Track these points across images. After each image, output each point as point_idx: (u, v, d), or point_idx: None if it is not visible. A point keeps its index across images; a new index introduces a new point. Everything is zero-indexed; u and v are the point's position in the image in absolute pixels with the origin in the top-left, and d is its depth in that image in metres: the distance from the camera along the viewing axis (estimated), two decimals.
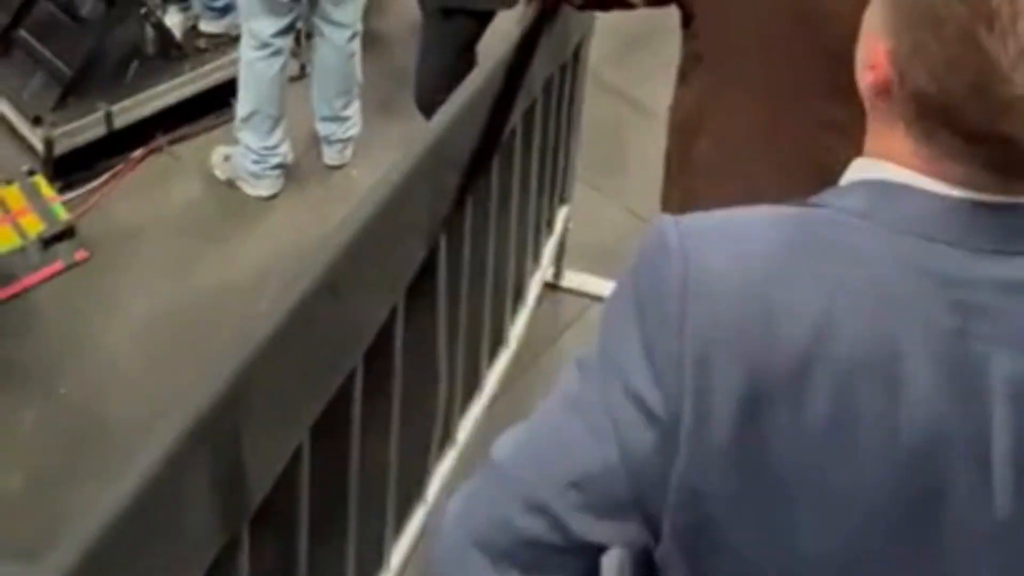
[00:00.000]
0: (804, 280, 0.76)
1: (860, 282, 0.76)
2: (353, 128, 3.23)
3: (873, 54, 0.81)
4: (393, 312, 1.64)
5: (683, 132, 1.82)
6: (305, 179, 3.19)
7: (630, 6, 1.87)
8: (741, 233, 0.82)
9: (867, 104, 0.87)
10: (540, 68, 2.17)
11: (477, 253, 1.97)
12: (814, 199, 0.87)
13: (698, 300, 0.76)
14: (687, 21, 1.78)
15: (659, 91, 3.38)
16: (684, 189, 1.82)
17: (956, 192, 0.77)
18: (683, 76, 1.83)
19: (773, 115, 1.67)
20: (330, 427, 1.47)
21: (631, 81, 3.58)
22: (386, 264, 1.62)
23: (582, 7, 2.06)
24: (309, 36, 3.23)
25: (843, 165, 1.61)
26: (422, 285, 1.73)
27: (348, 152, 3.25)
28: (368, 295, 1.56)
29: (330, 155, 3.24)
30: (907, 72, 0.78)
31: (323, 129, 3.21)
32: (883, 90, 0.80)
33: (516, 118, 2.09)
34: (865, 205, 0.80)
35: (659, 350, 0.77)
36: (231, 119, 3.30)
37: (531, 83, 2.14)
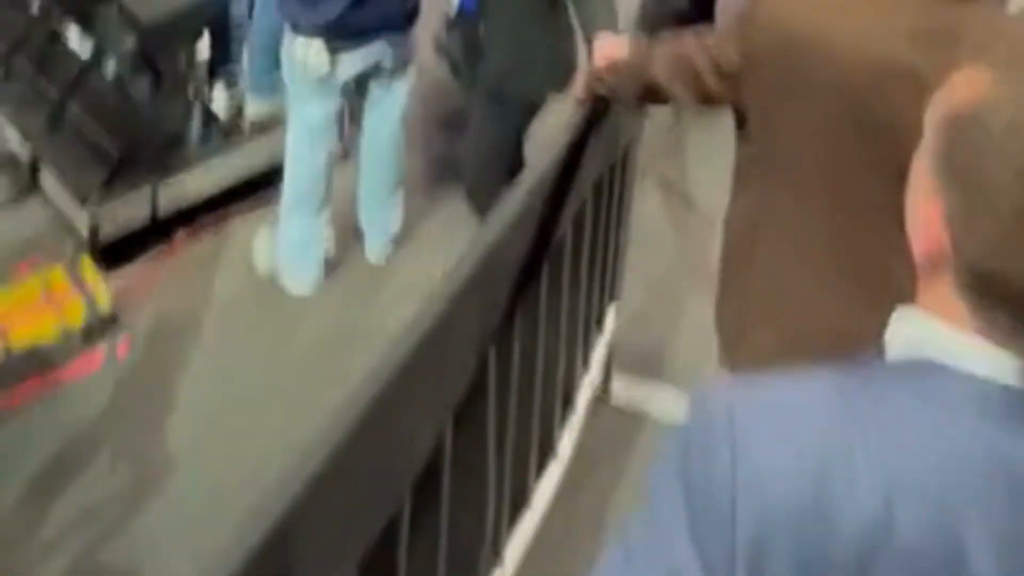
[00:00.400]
0: (860, 470, 0.75)
1: (919, 469, 0.75)
2: (396, 221, 3.24)
3: (924, 214, 0.81)
4: (441, 433, 1.63)
5: (739, 239, 1.81)
6: (345, 272, 3.19)
7: (683, 103, 1.88)
8: (792, 420, 0.81)
9: (917, 260, 0.86)
10: (590, 169, 2.18)
11: (526, 362, 1.94)
12: (863, 373, 0.86)
13: (749, 493, 0.75)
14: (740, 122, 1.77)
15: (708, 184, 3.44)
16: (740, 301, 1.80)
17: (1010, 375, 0.75)
18: (739, 179, 1.82)
19: (832, 231, 1.64)
20: (377, 556, 1.45)
21: (680, 173, 3.59)
22: (436, 386, 1.59)
23: (636, 106, 2.08)
24: (353, 117, 3.27)
25: (907, 290, 1.59)
26: (471, 401, 1.71)
27: (389, 245, 3.25)
28: (418, 421, 1.53)
29: (371, 249, 3.25)
30: (962, 242, 0.77)
31: (365, 221, 3.22)
32: (936, 253, 0.80)
33: (566, 222, 2.08)
34: (917, 386, 0.78)
35: (710, 543, 0.76)
36: (275, 203, 3.34)
37: (582, 185, 2.14)
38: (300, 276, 3.10)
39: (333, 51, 2.82)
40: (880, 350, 0.89)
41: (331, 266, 3.16)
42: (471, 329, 1.70)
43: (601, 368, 2.60)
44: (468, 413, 1.70)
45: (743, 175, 1.81)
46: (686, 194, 3.53)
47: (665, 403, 2.62)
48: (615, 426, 2.60)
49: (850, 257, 1.65)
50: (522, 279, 1.89)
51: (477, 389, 1.73)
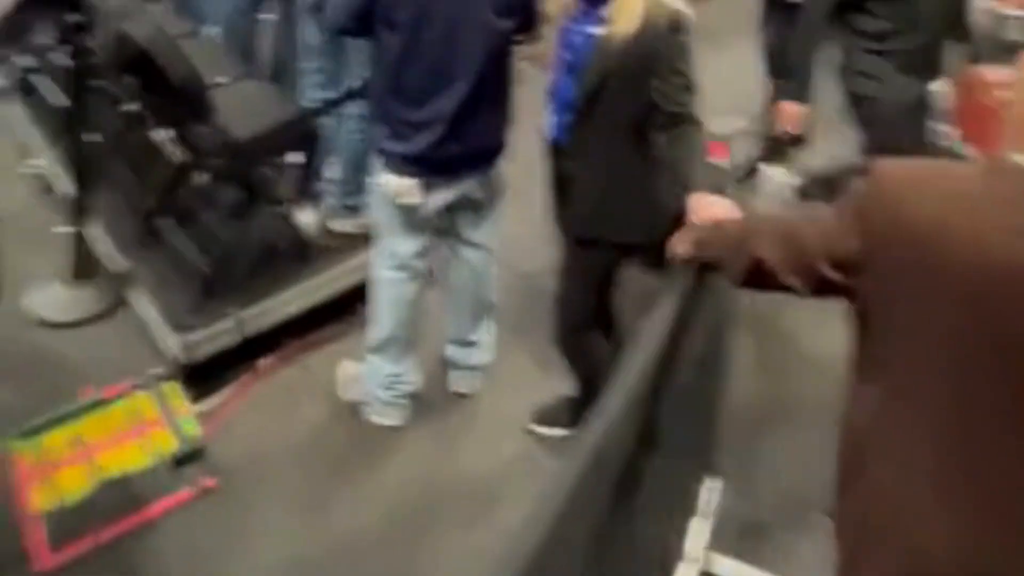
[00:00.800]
0: None
1: None
2: (485, 355, 3.24)
3: None
4: None
5: (855, 444, 1.72)
6: (432, 408, 3.20)
7: (793, 292, 1.76)
8: None
9: None
10: (692, 343, 2.14)
11: (623, 557, 1.92)
12: None
13: None
14: (859, 321, 1.68)
15: (818, 332, 3.31)
16: (855, 514, 1.73)
17: None
18: (854, 380, 1.73)
19: (961, 455, 1.57)
20: None
21: (782, 315, 3.52)
22: None
23: (742, 285, 1.94)
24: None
25: None
26: None
27: (477, 382, 3.26)
28: None
29: (457, 382, 3.25)
30: None
31: (452, 353, 3.23)
32: None
33: (666, 404, 2.04)
34: None
35: None
36: (360, 326, 3.36)
37: (683, 363, 2.09)
38: (387, 412, 3.12)
39: (423, 184, 2.83)
40: None
41: (418, 399, 3.17)
42: (578, 532, 1.66)
43: (701, 550, 2.52)
44: None
45: (858, 377, 1.73)
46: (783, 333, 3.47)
47: None
48: None
49: (977, 481, 1.57)
50: (625, 475, 1.86)
51: None
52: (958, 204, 1.54)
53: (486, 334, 3.23)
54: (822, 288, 1.70)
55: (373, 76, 2.89)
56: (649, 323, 1.97)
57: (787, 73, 3.64)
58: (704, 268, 2.03)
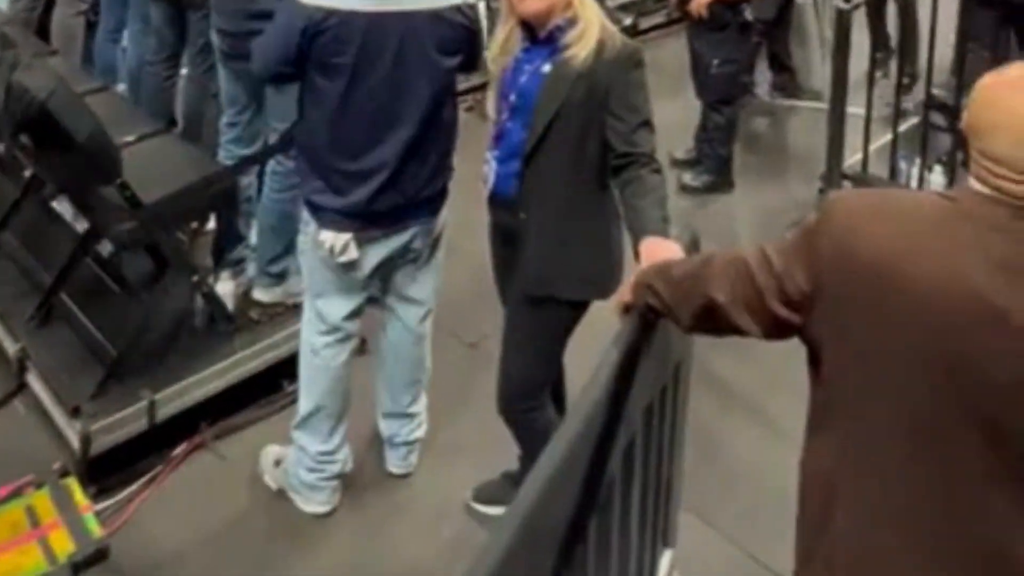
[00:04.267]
0: None
1: None
2: (419, 429, 3.25)
3: None
4: None
5: (815, 494, 1.78)
6: (364, 489, 3.20)
7: (746, 333, 1.84)
8: None
9: None
10: (640, 397, 2.14)
11: None
12: None
13: None
14: (814, 360, 1.75)
15: (762, 385, 3.42)
16: (827, 558, 1.77)
17: None
18: (813, 424, 1.80)
19: (919, 496, 1.63)
20: None
21: (731, 371, 3.62)
22: None
23: (691, 329, 2.03)
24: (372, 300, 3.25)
25: (1011, 555, 1.57)
26: None
27: (413, 457, 3.26)
28: None
29: (394, 461, 3.26)
30: None
31: (387, 429, 3.23)
32: None
33: (615, 465, 2.07)
34: None
35: None
36: (283, 407, 3.41)
37: (631, 418, 2.10)
38: (316, 497, 3.10)
39: (359, 240, 2.85)
40: None
41: (348, 481, 3.16)
42: None
43: None
44: None
45: (818, 421, 1.79)
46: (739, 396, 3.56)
47: None
48: None
49: (943, 527, 1.63)
50: (568, 541, 1.86)
51: None
52: (916, 233, 1.61)
53: (421, 405, 3.24)
54: (775, 328, 1.77)
55: (302, 127, 2.90)
56: (592, 378, 1.98)
57: None
58: (651, 313, 2.06)
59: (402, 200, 2.87)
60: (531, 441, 2.86)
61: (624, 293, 2.12)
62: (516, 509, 1.70)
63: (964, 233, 1.58)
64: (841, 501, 1.74)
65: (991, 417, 1.58)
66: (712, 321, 1.87)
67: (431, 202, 2.98)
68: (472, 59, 2.91)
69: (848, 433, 1.72)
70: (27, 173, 4.10)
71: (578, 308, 2.76)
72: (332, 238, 2.86)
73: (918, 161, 4.43)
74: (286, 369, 3.44)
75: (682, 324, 1.98)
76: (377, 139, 2.79)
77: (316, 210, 2.89)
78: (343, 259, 2.87)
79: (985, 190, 1.59)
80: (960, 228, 1.59)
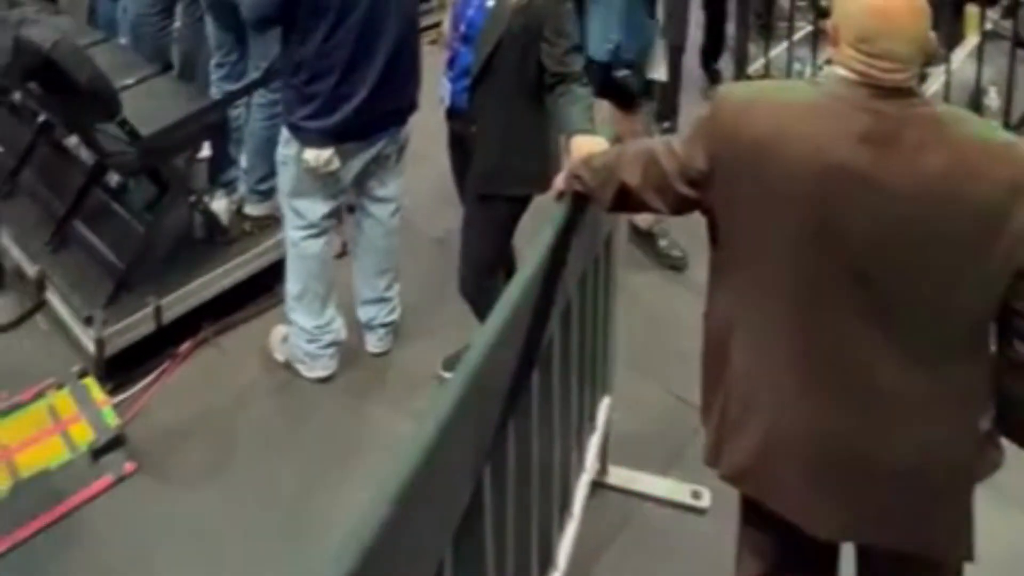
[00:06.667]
0: None
1: None
2: (394, 312, 3.23)
3: None
4: (440, 560, 1.56)
5: (716, 339, 1.80)
6: (356, 358, 3.19)
7: (656, 210, 1.89)
8: None
9: None
10: (574, 268, 2.12)
11: (522, 474, 1.85)
12: None
13: None
14: (712, 228, 1.79)
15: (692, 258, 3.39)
16: (720, 402, 1.78)
17: None
18: (713, 282, 1.82)
19: (802, 329, 1.65)
20: None
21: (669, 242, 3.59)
22: (433, 514, 1.51)
23: (611, 209, 2.05)
24: (351, 210, 3.27)
25: (882, 383, 1.56)
26: (468, 524, 1.62)
27: (389, 338, 3.25)
28: (417, 551, 1.44)
29: (372, 342, 3.23)
30: None
31: (364, 315, 3.21)
32: None
33: (554, 325, 2.03)
34: None
35: None
36: (275, 305, 3.34)
37: (566, 285, 2.07)
38: (317, 364, 3.10)
39: (341, 154, 2.87)
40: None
41: (344, 353, 3.16)
42: (465, 451, 1.61)
43: (597, 460, 2.53)
44: (466, 537, 1.61)
45: (716, 279, 1.81)
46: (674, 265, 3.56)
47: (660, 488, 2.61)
48: (611, 513, 2.55)
49: (823, 360, 1.64)
50: (513, 390, 1.82)
51: (473, 512, 1.64)
52: (789, 115, 1.65)
53: (395, 290, 3.23)
54: (680, 205, 1.82)
55: (286, 61, 2.89)
56: (529, 250, 1.97)
57: None
58: (580, 198, 2.08)
59: (378, 114, 2.90)
60: (488, 313, 2.81)
61: (558, 183, 2.14)
62: (466, 365, 1.67)
63: (830, 112, 1.61)
64: (734, 347, 1.75)
65: (859, 267, 1.59)
66: (627, 201, 1.91)
67: (399, 115, 3.01)
68: None
69: (740, 287, 1.73)
70: (40, 119, 3.98)
71: (521, 201, 2.79)
72: (315, 154, 2.86)
73: (811, 62, 4.53)
74: (275, 273, 3.37)
75: (604, 205, 2.00)
76: (356, 65, 2.81)
77: (299, 131, 2.90)
78: (326, 170, 2.88)
79: (850, 75, 1.62)
80: (827, 108, 1.62)
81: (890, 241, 1.55)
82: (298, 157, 2.89)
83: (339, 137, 2.85)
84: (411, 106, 3.02)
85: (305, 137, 2.86)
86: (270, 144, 3.49)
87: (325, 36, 2.76)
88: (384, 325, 3.21)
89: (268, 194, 3.61)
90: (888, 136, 1.55)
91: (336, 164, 2.88)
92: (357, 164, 2.94)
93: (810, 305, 1.62)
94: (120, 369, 3.11)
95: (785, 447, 1.68)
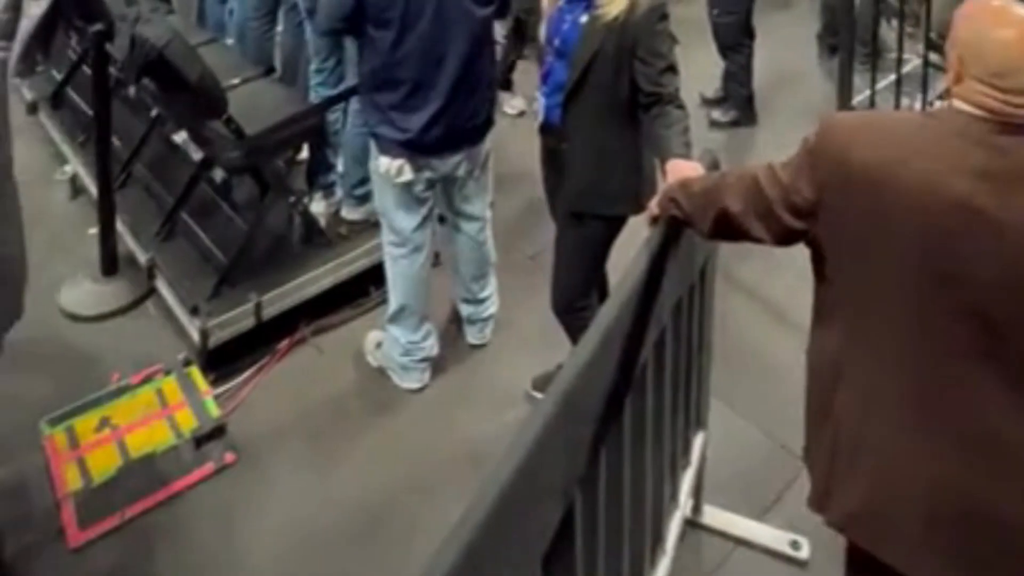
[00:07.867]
0: None
1: None
2: (491, 307, 3.34)
3: None
4: None
5: (822, 378, 1.74)
6: (450, 367, 3.26)
7: (758, 240, 1.81)
8: None
9: None
10: (669, 294, 2.10)
11: (613, 503, 1.86)
12: None
13: None
14: (818, 262, 1.72)
15: (789, 289, 3.34)
16: (825, 448, 1.73)
17: None
18: (818, 318, 1.76)
19: (915, 369, 1.58)
20: None
21: (760, 278, 3.54)
22: (522, 537, 1.52)
23: (711, 236, 1.99)
24: (442, 220, 3.31)
25: (998, 429, 1.50)
26: (558, 549, 1.63)
27: (488, 331, 3.36)
28: (506, 573, 1.52)
29: (472, 334, 3.36)
30: None
31: (464, 310, 3.34)
32: None
33: (647, 352, 2.02)
34: None
35: None
36: (371, 308, 3.42)
37: (660, 312, 2.06)
38: (408, 376, 3.17)
39: (414, 166, 2.92)
40: None
41: (437, 362, 3.23)
42: (555, 475, 1.62)
43: (691, 497, 2.50)
44: (556, 562, 1.62)
45: (822, 315, 1.74)
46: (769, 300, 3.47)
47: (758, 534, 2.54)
48: (706, 554, 2.50)
49: (937, 408, 1.58)
50: (605, 416, 1.81)
51: (564, 536, 1.65)
52: (903, 144, 1.57)
53: (491, 289, 3.33)
54: (785, 235, 1.74)
55: (362, 71, 2.95)
56: (623, 277, 1.95)
57: None
58: (675, 223, 2.04)
59: (448, 131, 2.92)
60: (580, 336, 2.82)
61: (653, 206, 2.10)
62: (557, 387, 1.67)
63: (947, 146, 1.54)
64: (842, 388, 1.69)
65: (979, 308, 1.52)
66: (727, 229, 1.85)
67: (475, 132, 3.02)
68: (504, 6, 3.00)
69: (849, 326, 1.67)
70: (152, 113, 4.13)
71: (615, 222, 2.75)
72: (387, 163, 2.92)
73: (919, 97, 4.24)
74: (371, 276, 3.46)
75: (702, 231, 1.95)
76: (423, 80, 2.85)
77: (377, 139, 2.97)
78: (399, 180, 2.93)
79: (968, 108, 1.55)
80: (944, 142, 1.55)
81: (1015, 284, 1.48)
82: (377, 166, 2.97)
83: (410, 148, 2.90)
84: (486, 123, 3.04)
85: (380, 145, 2.94)
86: (365, 150, 3.55)
87: (391, 47, 2.80)
88: (483, 320, 3.34)
89: (364, 199, 3.68)
90: (1013, 174, 1.49)
91: (408, 175, 2.92)
92: (433, 177, 2.98)
93: (924, 344, 1.56)
94: (222, 360, 3.22)
95: (898, 492, 1.61)
